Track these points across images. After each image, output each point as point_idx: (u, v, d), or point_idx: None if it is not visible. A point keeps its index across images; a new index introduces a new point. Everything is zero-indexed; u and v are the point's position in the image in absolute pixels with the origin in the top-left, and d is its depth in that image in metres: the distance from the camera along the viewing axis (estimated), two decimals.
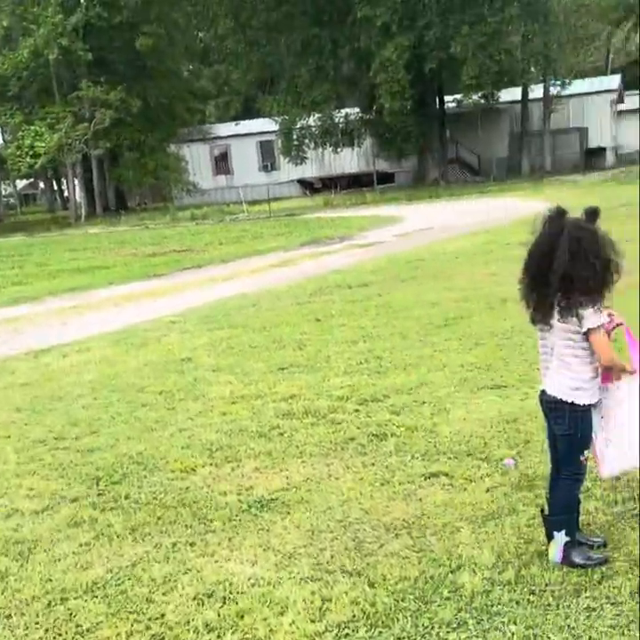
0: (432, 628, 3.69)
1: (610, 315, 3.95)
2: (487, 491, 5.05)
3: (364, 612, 3.86)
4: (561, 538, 4.04)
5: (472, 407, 6.74)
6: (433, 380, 7.64)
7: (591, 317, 3.82)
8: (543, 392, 4.12)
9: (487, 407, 6.69)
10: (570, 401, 3.97)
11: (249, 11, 46.60)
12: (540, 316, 3.97)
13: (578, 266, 3.72)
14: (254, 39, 47.81)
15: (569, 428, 4.01)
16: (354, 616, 3.84)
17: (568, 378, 3.98)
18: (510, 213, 25.01)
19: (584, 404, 3.97)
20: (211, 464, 6.09)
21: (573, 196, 30.00)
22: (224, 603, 4.10)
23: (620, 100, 53.38)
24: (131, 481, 5.91)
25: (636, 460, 4.18)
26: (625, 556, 4.10)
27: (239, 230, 30.94)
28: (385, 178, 52.56)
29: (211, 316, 12.50)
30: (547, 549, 4.13)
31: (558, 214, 3.82)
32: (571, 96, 49.57)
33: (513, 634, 3.56)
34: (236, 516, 5.12)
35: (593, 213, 3.85)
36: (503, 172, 48.56)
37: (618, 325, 4.03)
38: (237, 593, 4.17)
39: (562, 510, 4.09)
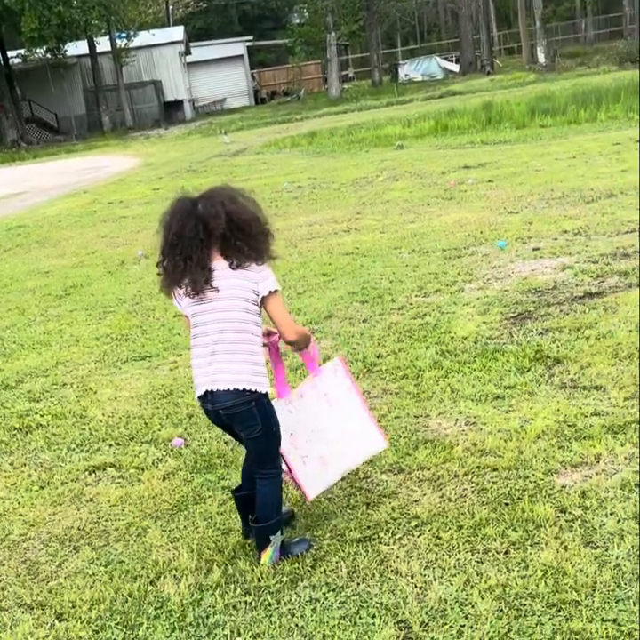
0: None
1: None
2: (164, 479, 4.53)
3: None
4: (277, 539, 3.54)
5: (120, 384, 6.15)
6: (69, 357, 6.94)
7: (271, 278, 3.33)
8: (211, 394, 3.32)
9: (136, 382, 6.14)
10: (254, 389, 3.30)
11: None
12: (200, 281, 3.26)
13: (235, 225, 3.26)
14: None
15: (263, 425, 3.36)
16: None
17: (247, 362, 3.31)
18: (104, 172, 24.33)
19: (266, 392, 3.39)
20: None
21: (163, 149, 29.95)
22: None
23: (188, 51, 53.69)
24: None
25: (339, 471, 3.84)
26: (330, 532, 3.75)
27: None
28: None
29: None
30: (259, 555, 3.58)
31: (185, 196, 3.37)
32: (139, 48, 48.60)
33: None
34: None
35: None
36: (84, 130, 47.28)
37: None
38: None
39: (275, 512, 3.54)
